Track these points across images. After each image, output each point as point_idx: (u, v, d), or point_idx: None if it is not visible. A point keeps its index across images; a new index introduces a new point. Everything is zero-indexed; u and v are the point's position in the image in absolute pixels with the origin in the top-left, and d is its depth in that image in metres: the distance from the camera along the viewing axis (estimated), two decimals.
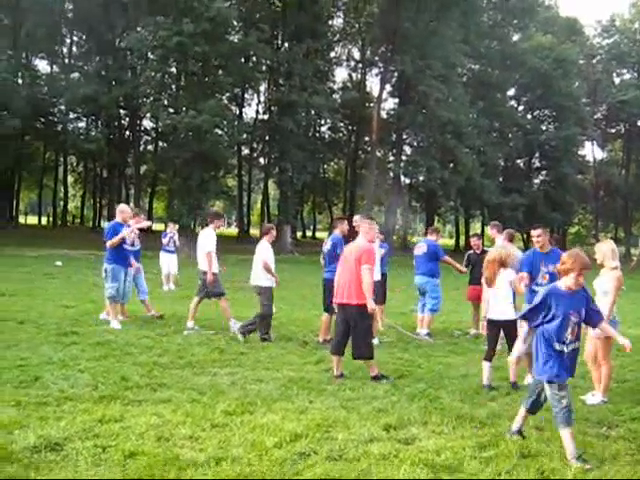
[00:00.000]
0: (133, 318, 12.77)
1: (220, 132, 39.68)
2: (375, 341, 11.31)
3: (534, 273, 8.76)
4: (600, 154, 69.26)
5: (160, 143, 47.66)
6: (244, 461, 5.26)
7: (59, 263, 23.53)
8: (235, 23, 41.10)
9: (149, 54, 38.79)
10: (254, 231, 61.58)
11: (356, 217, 12.06)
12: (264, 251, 11.27)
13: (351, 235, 10.98)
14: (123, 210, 12.35)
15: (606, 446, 6.09)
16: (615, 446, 6.12)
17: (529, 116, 59.82)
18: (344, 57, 55.64)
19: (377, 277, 11.21)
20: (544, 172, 61.49)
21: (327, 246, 11.42)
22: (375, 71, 52.91)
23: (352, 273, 8.53)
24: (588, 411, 7.27)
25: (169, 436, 5.82)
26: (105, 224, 13.17)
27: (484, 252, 13.22)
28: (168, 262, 19.41)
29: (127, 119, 44.18)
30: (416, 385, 8.16)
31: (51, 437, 5.59)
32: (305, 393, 7.52)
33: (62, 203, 61.03)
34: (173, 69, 41.54)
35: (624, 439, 6.34)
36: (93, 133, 43.15)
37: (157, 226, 58.00)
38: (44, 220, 63.40)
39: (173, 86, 42.44)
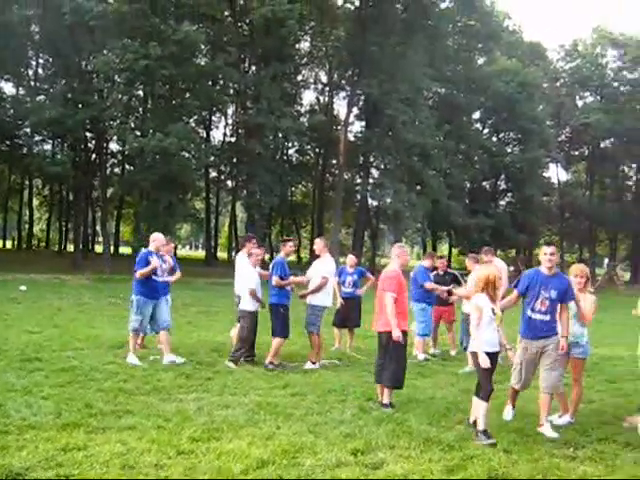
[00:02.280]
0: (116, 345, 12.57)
1: (187, 155, 39.50)
2: (325, 362, 11.39)
3: (530, 297, 7.73)
4: (564, 176, 70.27)
5: (127, 166, 47.36)
6: None
7: (23, 288, 23.19)
8: (202, 46, 41.04)
9: (116, 77, 38.54)
10: (222, 254, 61.36)
11: (317, 240, 12.14)
12: (249, 275, 11.24)
13: (314, 257, 11.08)
14: (156, 239, 11.48)
15: (573, 468, 6.12)
16: (582, 467, 6.16)
17: (494, 138, 60.45)
18: (311, 80, 55.84)
19: (327, 302, 11.33)
20: (510, 194, 62.08)
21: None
22: (342, 94, 53.10)
23: (380, 301, 8.62)
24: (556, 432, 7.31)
25: (134, 464, 5.74)
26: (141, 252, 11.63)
27: (447, 273, 13.42)
28: None
29: (93, 142, 43.74)
30: (384, 408, 8.15)
31: (12, 467, 5.50)
32: (272, 418, 7.47)
33: (27, 226, 60.30)
34: (140, 92, 41.36)
35: (591, 460, 6.38)
36: (59, 156, 42.61)
37: (124, 249, 57.62)
38: (9, 244, 62.50)
39: (140, 109, 42.29)
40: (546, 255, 7.73)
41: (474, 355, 7.31)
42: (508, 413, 8.03)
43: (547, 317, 7.64)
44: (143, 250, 11.59)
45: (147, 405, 7.92)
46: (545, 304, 7.60)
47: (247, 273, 11.27)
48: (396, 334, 8.31)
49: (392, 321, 8.34)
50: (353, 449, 6.35)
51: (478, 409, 7.14)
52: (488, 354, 7.12)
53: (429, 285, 12.69)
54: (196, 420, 7.28)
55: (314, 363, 11.10)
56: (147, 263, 11.05)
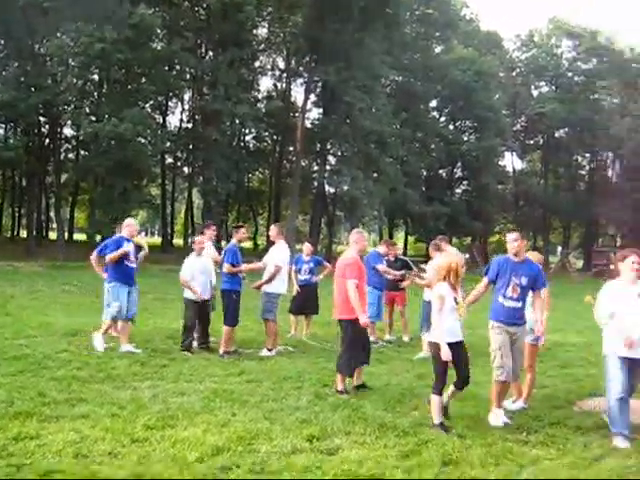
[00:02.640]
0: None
1: (143, 140, 39.07)
2: (280, 349, 11.39)
3: (501, 283, 7.59)
4: (519, 165, 71.03)
5: (82, 151, 46.64)
6: (164, 477, 5.17)
7: None
8: (159, 31, 40.52)
9: (70, 60, 37.95)
10: (178, 241, 60.87)
11: (272, 227, 12.12)
12: (186, 264, 11.30)
13: (270, 244, 11.06)
14: (129, 224, 11.34)
15: (525, 452, 6.21)
16: (535, 451, 6.25)
17: (451, 127, 60.80)
18: (269, 66, 55.45)
19: (282, 290, 11.31)
20: (465, 182, 62.60)
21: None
22: (300, 81, 52.85)
23: (339, 288, 8.61)
24: (508, 417, 7.41)
25: (87, 453, 5.68)
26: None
27: (398, 259, 13.54)
28: None
29: (47, 126, 42.98)
30: (339, 395, 8.17)
31: None
32: (228, 405, 7.45)
33: None
34: (95, 76, 40.75)
35: (542, 444, 6.48)
36: (11, 141, 41.92)
37: (78, 236, 56.89)
38: None
39: (95, 93, 41.64)
40: (510, 242, 7.69)
41: (434, 345, 7.13)
42: (497, 417, 7.31)
43: (519, 304, 7.53)
44: (117, 235, 11.44)
45: (101, 393, 7.84)
46: (517, 290, 7.51)
47: (185, 262, 11.27)
48: (363, 320, 8.35)
49: (357, 308, 8.35)
50: (309, 435, 6.36)
51: (433, 402, 7.05)
52: (449, 344, 6.95)
53: (382, 267, 12.74)
54: (151, 408, 7.22)
55: (270, 350, 11.09)
56: (118, 248, 10.90)
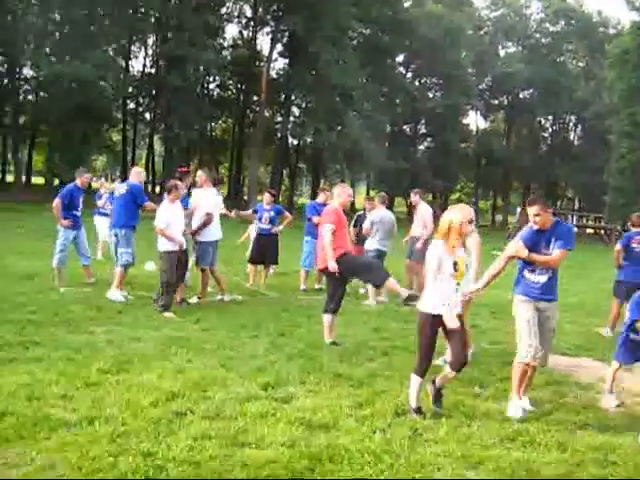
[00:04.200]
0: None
1: (105, 84, 38.38)
2: (226, 297, 11.31)
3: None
4: (483, 124, 71.36)
5: (41, 93, 45.71)
6: (118, 420, 5.17)
7: None
8: None
9: None
10: None
11: (199, 173, 11.65)
12: (158, 213, 10.29)
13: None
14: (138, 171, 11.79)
15: (477, 405, 6.31)
16: (485, 404, 6.36)
17: (417, 83, 60.76)
18: (235, 14, 54.60)
19: (216, 237, 11.08)
20: (429, 139, 62.82)
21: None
22: (266, 29, 52.20)
23: (320, 239, 8.63)
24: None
25: (40, 395, 5.64)
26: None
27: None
28: (103, 226, 15.31)
29: (5, 66, 42.00)
30: (296, 344, 8.22)
31: None
32: (184, 352, 7.44)
33: None
34: (56, 15, 39.77)
35: (494, 398, 6.59)
36: None
37: (35, 180, 55.88)
38: None
39: (56, 34, 40.66)
40: (531, 217, 6.39)
41: (422, 316, 6.00)
42: (516, 408, 6.19)
43: (546, 277, 6.38)
44: (136, 183, 11.32)
45: (56, 337, 7.79)
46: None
47: (160, 209, 10.36)
48: (331, 265, 8.32)
49: (328, 252, 8.33)
50: (264, 383, 6.39)
51: (411, 385, 6.05)
52: (436, 316, 5.88)
53: (316, 219, 12.33)
54: (106, 352, 7.19)
55: (199, 298, 10.93)
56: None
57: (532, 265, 6.37)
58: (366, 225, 12.42)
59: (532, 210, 6.32)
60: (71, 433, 4.87)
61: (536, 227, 6.36)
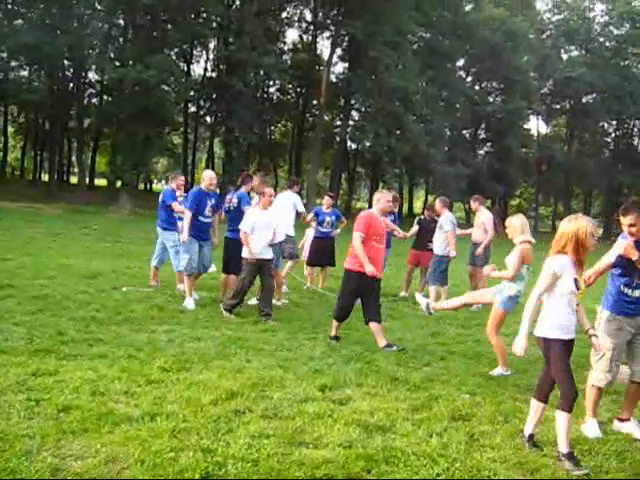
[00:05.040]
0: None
1: (167, 88, 39.05)
2: (285, 301, 11.39)
3: (626, 273, 5.91)
4: (544, 129, 70.28)
5: (105, 97, 46.66)
6: (179, 417, 5.28)
7: None
8: None
9: (96, 4, 37.80)
10: None
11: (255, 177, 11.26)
12: (245, 217, 10.04)
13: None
14: (211, 176, 10.98)
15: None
16: (545, 413, 6.30)
17: (477, 87, 60.18)
18: (295, 18, 54.86)
19: (280, 237, 10.72)
20: (489, 144, 62.15)
21: (232, 203, 10.84)
22: (326, 34, 52.35)
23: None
24: (519, 378, 7.45)
25: (104, 391, 5.79)
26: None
27: (435, 221, 13.24)
28: None
29: (71, 70, 42.96)
30: (352, 348, 8.25)
31: None
32: (243, 352, 7.55)
33: (1, 154, 59.44)
34: (121, 21, 40.57)
35: (552, 406, 6.51)
36: (36, 83, 41.96)
37: (98, 182, 57.03)
38: None
39: (120, 39, 41.49)
40: (624, 227, 5.82)
41: (545, 341, 5.28)
42: (593, 428, 5.94)
43: None
44: (194, 188, 10.99)
45: (118, 335, 7.97)
46: None
47: (247, 214, 10.06)
48: (369, 269, 8.34)
49: (362, 259, 8.39)
50: (321, 385, 6.44)
51: (558, 423, 5.20)
52: (564, 342, 5.19)
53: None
54: (167, 351, 7.34)
55: (260, 301, 10.92)
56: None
57: (630, 278, 5.86)
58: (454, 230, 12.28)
59: (626, 220, 5.69)
60: (133, 428, 4.99)
61: (632, 239, 5.77)
